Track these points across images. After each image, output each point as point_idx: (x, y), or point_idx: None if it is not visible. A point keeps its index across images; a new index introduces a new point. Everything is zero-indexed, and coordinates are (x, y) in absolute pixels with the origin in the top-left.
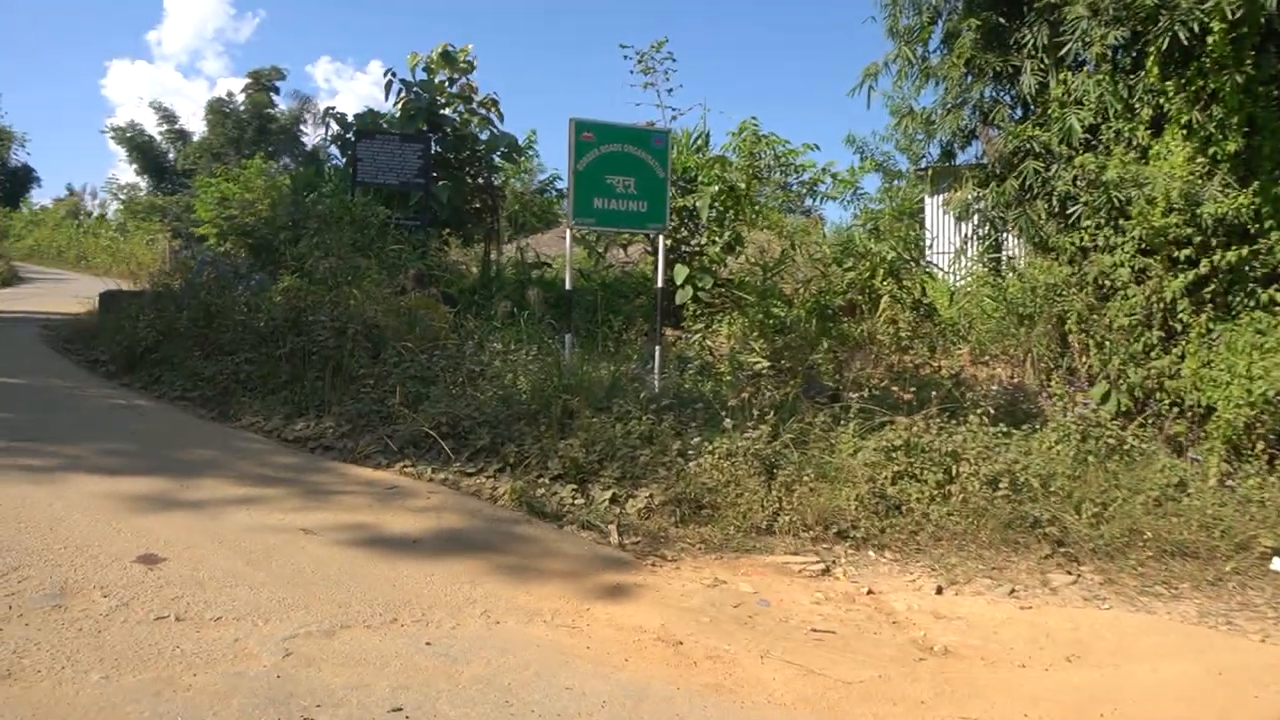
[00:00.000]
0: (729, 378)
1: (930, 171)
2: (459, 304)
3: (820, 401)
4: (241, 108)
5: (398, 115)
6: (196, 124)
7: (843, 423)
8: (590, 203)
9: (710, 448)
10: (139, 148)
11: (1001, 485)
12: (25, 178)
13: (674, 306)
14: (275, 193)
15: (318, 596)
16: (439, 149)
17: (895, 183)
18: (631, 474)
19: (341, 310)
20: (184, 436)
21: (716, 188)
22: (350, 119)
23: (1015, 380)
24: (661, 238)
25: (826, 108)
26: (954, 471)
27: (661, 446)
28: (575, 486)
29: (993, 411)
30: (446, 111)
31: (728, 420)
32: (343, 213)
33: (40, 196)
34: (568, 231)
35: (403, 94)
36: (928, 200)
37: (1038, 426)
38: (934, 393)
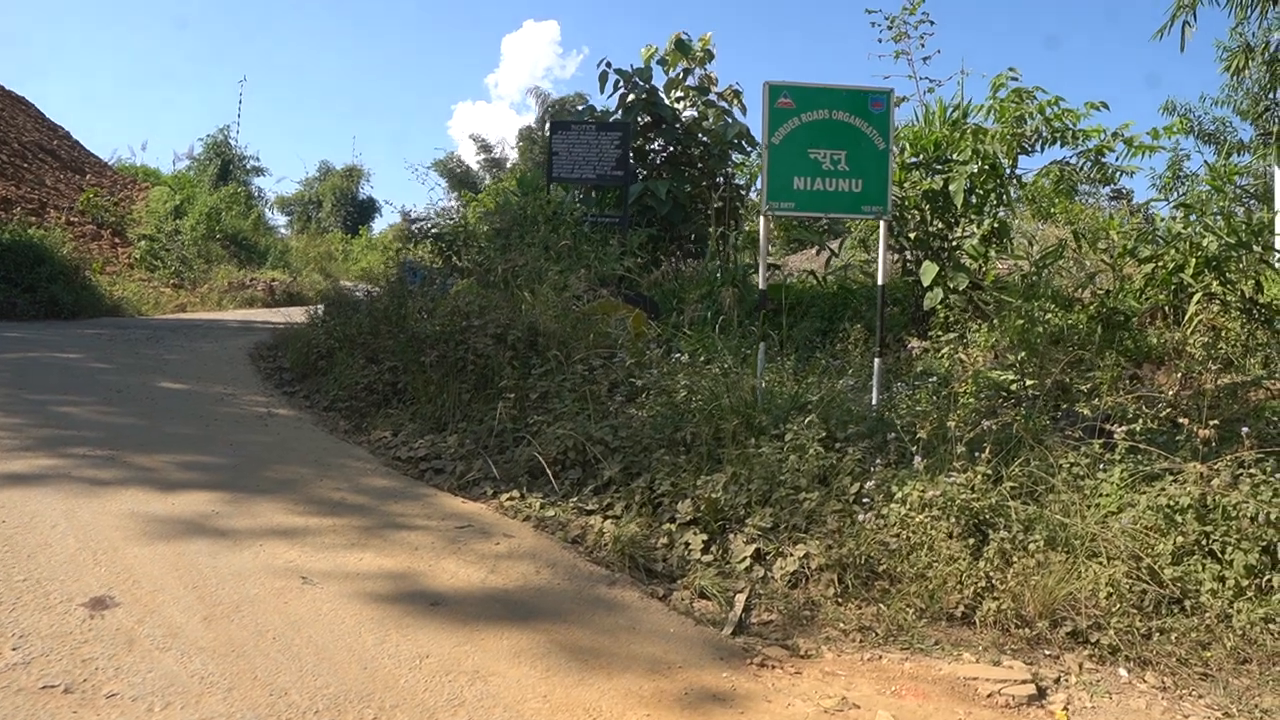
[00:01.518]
0: (970, 400)
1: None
2: (660, 310)
3: (1073, 436)
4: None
5: (620, 111)
6: (510, 153)
7: (1103, 467)
8: (789, 183)
9: (900, 493)
10: (456, 176)
11: None
12: (369, 208)
13: (921, 312)
14: (500, 197)
15: (257, 675)
16: (661, 143)
17: (1237, 157)
18: (789, 524)
19: (507, 315)
20: (291, 452)
21: (974, 166)
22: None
23: None
24: (883, 225)
25: (1126, 75)
26: None
27: (838, 489)
28: (709, 537)
29: None
30: (680, 105)
31: (918, 458)
32: (536, 211)
33: (380, 225)
34: (761, 219)
35: (619, 85)
36: (1278, 171)
37: None
38: (1245, 428)
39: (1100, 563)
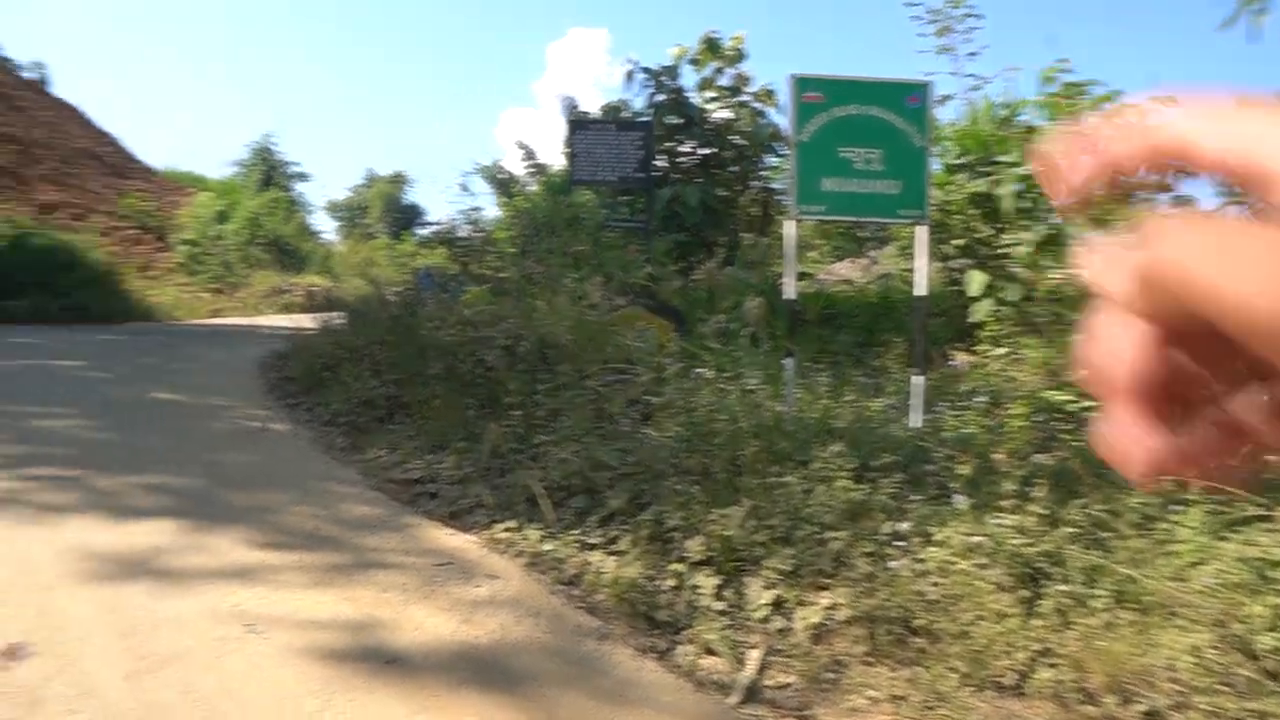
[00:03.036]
0: (1022, 424)
1: None
2: (685, 321)
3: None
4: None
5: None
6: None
7: (1178, 509)
8: (817, 184)
9: (940, 535)
10: (500, 182)
11: None
12: (414, 214)
13: (968, 325)
14: (526, 202)
15: None
16: (692, 146)
17: None
18: (813, 567)
19: (518, 325)
20: (273, 473)
21: (1025, 168)
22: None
23: None
24: (922, 230)
25: (1194, 66)
26: None
27: (869, 528)
28: (722, 579)
29: None
30: (713, 106)
31: (959, 496)
32: (554, 216)
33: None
34: (790, 223)
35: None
36: None
37: None
38: None
39: (1179, 626)
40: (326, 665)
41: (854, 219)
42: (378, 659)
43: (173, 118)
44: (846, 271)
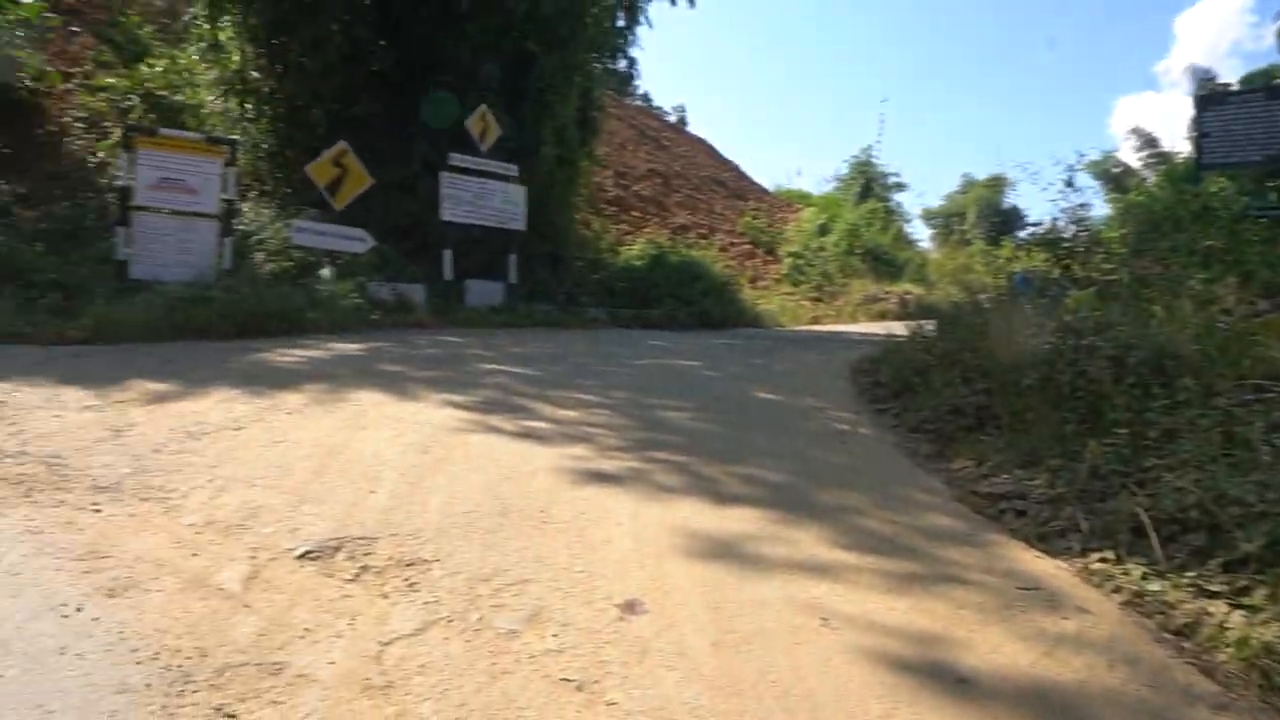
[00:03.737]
0: None
1: None
2: None
3: None
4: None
5: None
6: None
7: None
8: None
9: None
10: (1112, 177)
11: None
12: (1012, 218)
13: None
14: (1142, 195)
15: None
16: None
17: None
18: None
19: (1129, 333)
20: (857, 475)
21: None
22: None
23: None
24: None
25: None
26: None
27: None
28: None
29: None
30: None
31: None
32: (1176, 208)
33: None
34: None
35: None
36: None
37: None
38: None
39: None
40: (894, 672)
41: None
42: (947, 676)
43: (782, 142)
44: None
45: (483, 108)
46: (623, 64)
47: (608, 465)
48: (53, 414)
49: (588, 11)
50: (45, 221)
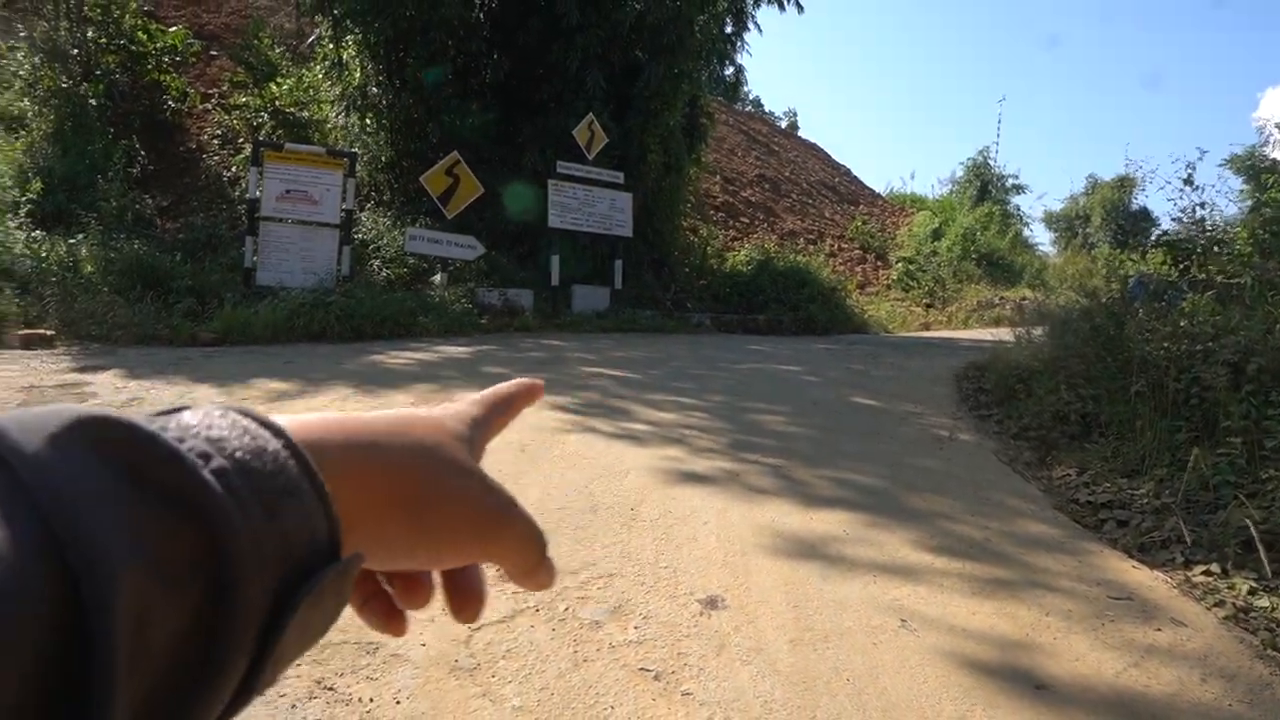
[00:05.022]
0: None
1: None
2: None
3: None
4: None
5: None
6: None
7: None
8: None
9: None
10: (1254, 172)
11: None
12: (1142, 220)
13: None
14: None
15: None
16: None
17: None
18: None
19: (1249, 339)
20: (951, 480)
21: None
22: None
23: None
24: None
25: None
26: None
27: None
28: None
29: None
30: None
31: None
32: None
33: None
34: None
35: None
36: None
37: None
38: None
39: None
40: (971, 674)
41: None
42: (1026, 682)
43: (896, 145)
44: None
45: (589, 117)
46: (730, 70)
47: (699, 466)
48: None
49: (695, 19)
50: (183, 232)
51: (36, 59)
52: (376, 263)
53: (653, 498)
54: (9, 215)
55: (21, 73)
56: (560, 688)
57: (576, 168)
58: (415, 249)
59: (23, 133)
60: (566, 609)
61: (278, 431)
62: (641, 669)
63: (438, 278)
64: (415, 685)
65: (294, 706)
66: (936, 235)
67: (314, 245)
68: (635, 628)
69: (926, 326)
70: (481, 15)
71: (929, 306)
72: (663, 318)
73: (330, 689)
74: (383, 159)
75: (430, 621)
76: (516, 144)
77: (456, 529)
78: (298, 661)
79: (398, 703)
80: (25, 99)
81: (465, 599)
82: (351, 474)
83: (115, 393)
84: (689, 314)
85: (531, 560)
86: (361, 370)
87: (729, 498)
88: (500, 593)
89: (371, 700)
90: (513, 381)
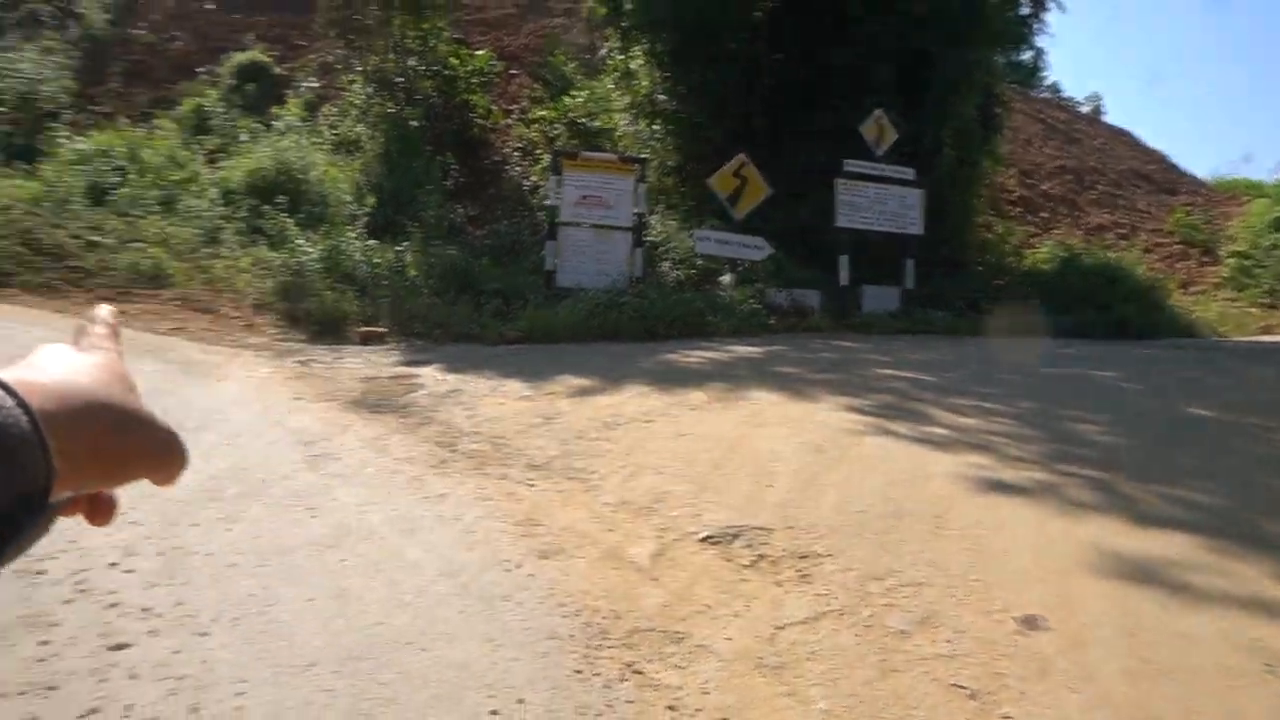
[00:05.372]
0: None
1: None
2: None
3: None
4: None
5: None
6: None
7: None
8: None
9: None
10: None
11: None
12: None
13: None
14: None
15: None
16: None
17: None
18: None
19: None
20: None
21: None
22: None
23: None
24: None
25: None
26: None
27: None
28: None
29: None
30: None
31: None
32: None
33: None
34: None
35: None
36: None
37: None
38: None
39: None
40: None
41: None
42: None
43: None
44: None
45: (878, 112)
46: (1028, 55)
47: (1009, 475)
48: (497, 401)
49: (989, 3)
50: (490, 238)
51: (370, 89)
52: (666, 264)
53: (960, 506)
54: (349, 227)
55: (357, 101)
56: (868, 695)
57: (865, 165)
58: (704, 250)
59: (359, 154)
60: (871, 615)
61: (12, 392)
62: (955, 685)
63: (726, 278)
64: (721, 678)
65: (607, 686)
66: (1277, 226)
67: (608, 248)
68: (946, 641)
69: (1268, 329)
70: (762, 14)
71: (1271, 307)
72: (958, 319)
73: (639, 672)
74: (670, 163)
75: (735, 617)
76: (802, 143)
77: (137, 467)
78: (609, 643)
79: (705, 693)
80: (360, 124)
81: (106, 508)
82: (62, 430)
83: (438, 384)
84: (986, 315)
85: (178, 474)
86: (655, 368)
87: (1045, 510)
88: (801, 594)
89: (680, 688)
90: (101, 311)
